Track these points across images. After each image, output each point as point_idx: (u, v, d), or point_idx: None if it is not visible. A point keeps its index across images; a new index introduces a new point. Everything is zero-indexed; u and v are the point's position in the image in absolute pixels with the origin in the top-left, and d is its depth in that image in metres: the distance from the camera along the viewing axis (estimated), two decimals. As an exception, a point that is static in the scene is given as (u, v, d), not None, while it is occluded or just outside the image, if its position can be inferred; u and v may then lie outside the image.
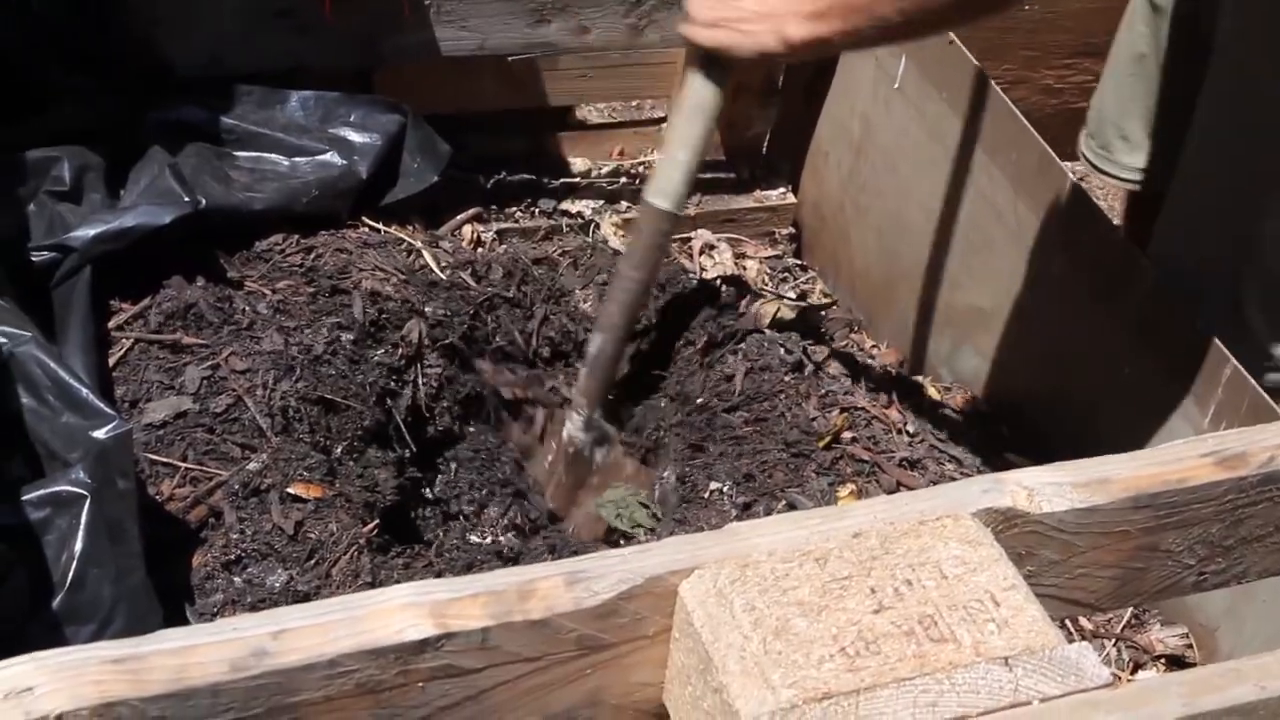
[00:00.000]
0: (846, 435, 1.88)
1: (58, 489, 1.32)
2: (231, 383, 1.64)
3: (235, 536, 1.48)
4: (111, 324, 1.71)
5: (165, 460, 1.56)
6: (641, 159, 2.59)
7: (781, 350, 2.01)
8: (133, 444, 1.44)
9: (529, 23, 2.22)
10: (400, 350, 1.83)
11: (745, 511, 1.77)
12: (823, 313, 2.35)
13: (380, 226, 2.03)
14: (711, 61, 1.77)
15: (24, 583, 1.27)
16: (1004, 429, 2.11)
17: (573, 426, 1.91)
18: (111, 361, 1.66)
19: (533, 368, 2.04)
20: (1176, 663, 1.80)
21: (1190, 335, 1.77)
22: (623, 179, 2.54)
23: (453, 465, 1.87)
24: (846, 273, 2.51)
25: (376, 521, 1.59)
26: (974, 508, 0.93)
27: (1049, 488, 0.96)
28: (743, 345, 2.01)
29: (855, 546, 0.89)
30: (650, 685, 0.90)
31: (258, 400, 1.62)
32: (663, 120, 2.65)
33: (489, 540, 1.74)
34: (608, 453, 1.95)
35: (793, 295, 2.50)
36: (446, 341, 1.90)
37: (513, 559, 1.70)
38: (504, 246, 2.23)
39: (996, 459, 1.98)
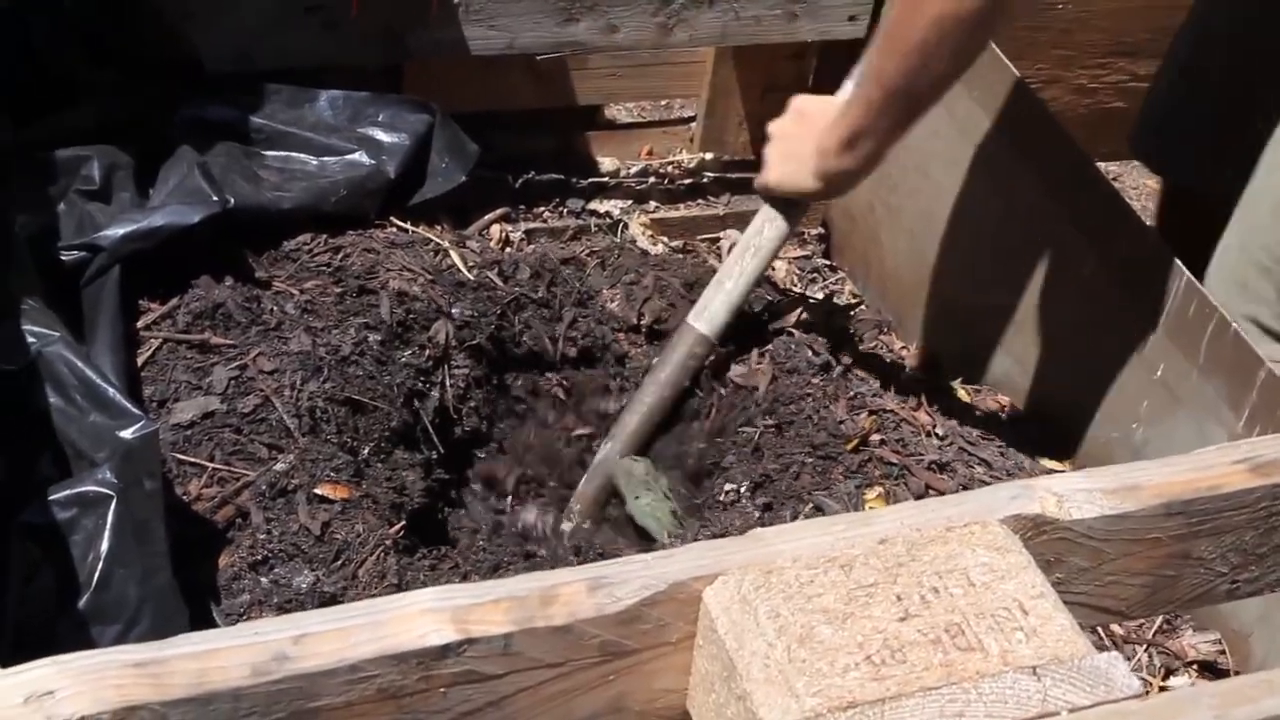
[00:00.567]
0: (875, 438, 1.86)
1: (84, 489, 1.32)
2: (259, 383, 1.64)
3: (262, 537, 1.48)
4: (140, 323, 1.72)
5: (192, 460, 1.56)
6: (670, 158, 2.58)
7: (809, 352, 1.99)
8: (159, 444, 1.44)
9: (558, 21, 2.21)
10: (428, 351, 1.83)
11: (767, 513, 1.76)
12: (851, 313, 2.34)
13: (408, 226, 2.03)
14: (775, 204, 1.90)
15: (50, 582, 1.27)
16: (1034, 432, 2.09)
17: (568, 525, 1.90)
18: (140, 361, 1.66)
19: (560, 370, 2.03)
20: (1209, 669, 1.78)
21: (1224, 337, 1.75)
22: (651, 179, 2.54)
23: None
24: (876, 273, 2.49)
25: (403, 523, 1.59)
26: (1002, 514, 0.92)
27: (1079, 494, 0.95)
28: (770, 346, 1.99)
29: (881, 553, 0.88)
30: (673, 692, 0.89)
31: (285, 400, 1.63)
32: (691, 119, 2.64)
33: (515, 542, 1.74)
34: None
35: (821, 296, 2.49)
36: (474, 342, 1.89)
37: (539, 561, 1.69)
38: (532, 246, 2.23)
39: (1027, 462, 1.96)
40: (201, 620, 1.40)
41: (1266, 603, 1.72)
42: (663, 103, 3.15)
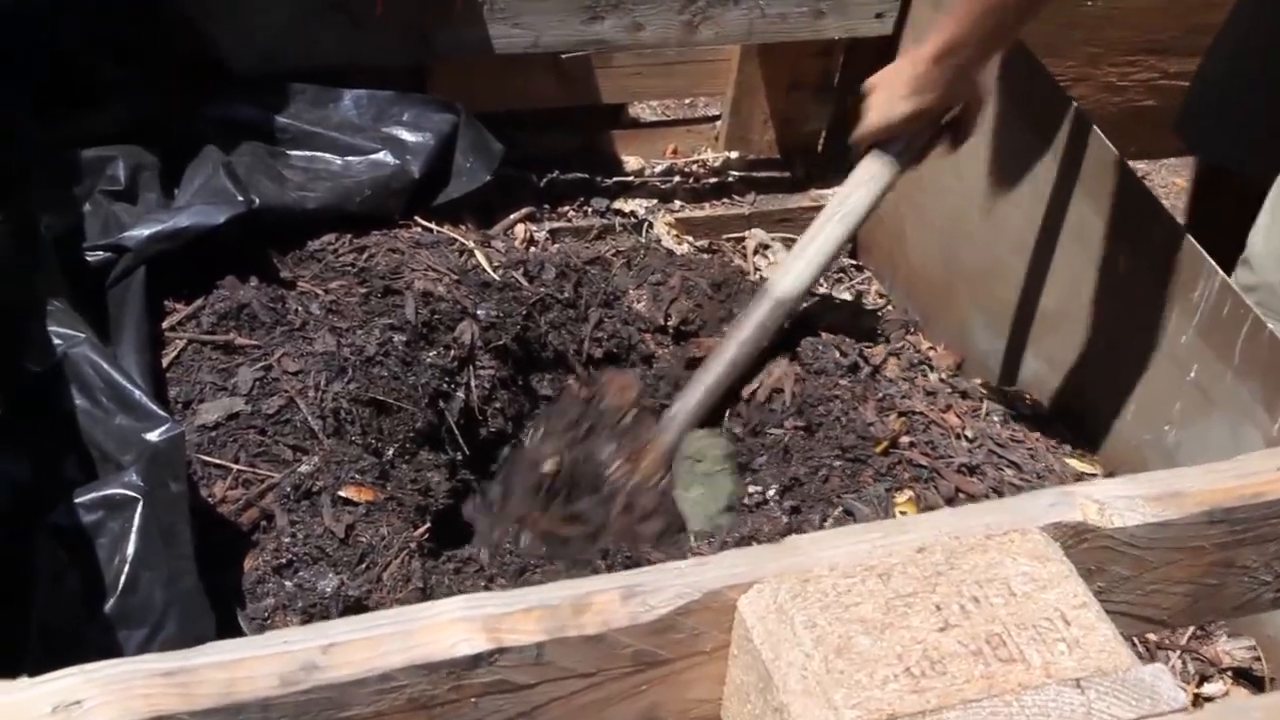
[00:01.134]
0: (904, 440, 1.85)
1: (110, 492, 1.31)
2: (284, 384, 1.63)
3: (287, 540, 1.47)
4: (165, 324, 1.71)
5: (217, 462, 1.55)
6: (695, 157, 2.57)
7: (837, 353, 1.97)
8: (185, 446, 1.44)
9: (582, 20, 2.20)
10: (453, 352, 1.82)
11: (795, 516, 1.74)
12: (878, 314, 2.32)
13: (433, 226, 2.02)
14: (869, 161, 1.89)
15: (76, 586, 1.26)
16: (1064, 434, 2.07)
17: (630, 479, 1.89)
18: (165, 362, 1.66)
19: (586, 371, 2.02)
20: (1244, 676, 1.76)
21: (1259, 338, 1.72)
22: (676, 178, 2.52)
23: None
24: (903, 273, 2.47)
25: (428, 525, 1.57)
26: (1042, 521, 0.90)
27: (1120, 501, 0.93)
28: (797, 348, 1.98)
29: (920, 561, 0.87)
30: (707, 702, 0.88)
31: (310, 402, 1.62)
32: (716, 118, 2.62)
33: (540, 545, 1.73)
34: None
35: (848, 296, 2.47)
36: (499, 343, 1.88)
37: (564, 565, 1.68)
38: (556, 246, 2.21)
39: (1057, 465, 1.94)
40: (227, 624, 1.39)
41: (1303, 608, 1.70)
42: (687, 101, 3.13)
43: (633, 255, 2.21)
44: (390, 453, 1.65)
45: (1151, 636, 1.75)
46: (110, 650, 1.23)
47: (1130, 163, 1.99)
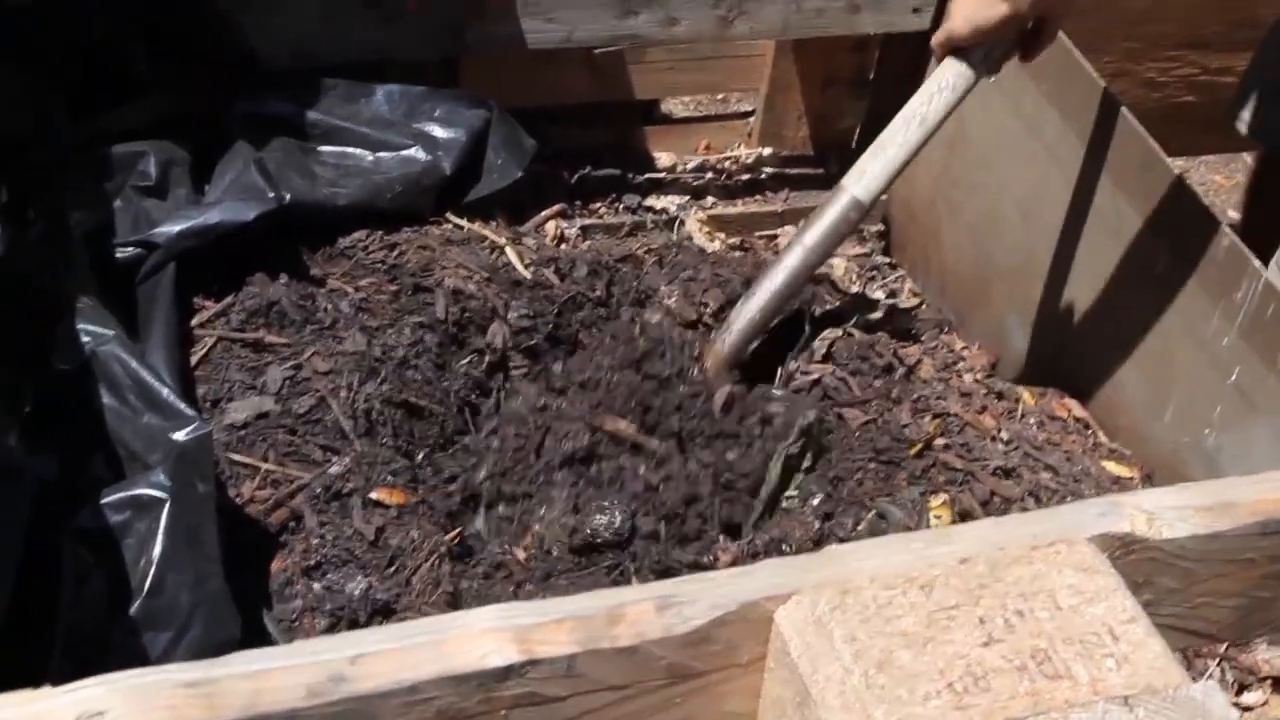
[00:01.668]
0: (939, 442, 1.82)
1: (137, 492, 1.30)
2: (314, 383, 1.62)
3: (316, 541, 1.46)
4: (194, 321, 1.70)
5: (246, 461, 1.54)
6: (728, 154, 2.54)
7: (871, 353, 1.95)
8: (213, 446, 1.43)
9: (616, 14, 2.18)
10: (486, 356, 1.80)
11: (827, 521, 1.72)
12: (913, 313, 2.29)
13: (463, 223, 2.01)
14: (951, 64, 1.80)
15: (102, 587, 1.25)
16: (1101, 437, 2.04)
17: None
18: (194, 360, 1.65)
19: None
20: (1285, 685, 1.73)
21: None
22: (708, 174, 2.50)
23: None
24: (937, 271, 2.44)
25: (459, 530, 1.56)
26: (1089, 532, 0.88)
27: (1170, 511, 0.90)
28: (831, 348, 1.95)
29: (963, 573, 0.84)
30: (743, 716, 0.86)
31: (341, 402, 1.60)
32: (750, 114, 2.60)
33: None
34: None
35: (881, 294, 2.44)
36: (531, 344, 1.86)
37: (592, 571, 1.66)
38: (588, 244, 2.20)
39: (1094, 469, 1.91)
40: (253, 625, 1.38)
41: (1347, 617, 1.67)
42: (720, 97, 3.11)
43: (664, 253, 2.19)
44: (421, 456, 1.63)
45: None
46: (135, 653, 1.22)
47: (1170, 160, 1.95)
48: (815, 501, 1.74)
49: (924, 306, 2.41)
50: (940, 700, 0.77)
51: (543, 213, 2.22)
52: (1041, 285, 2.19)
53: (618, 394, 1.79)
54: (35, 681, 0.75)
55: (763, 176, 2.53)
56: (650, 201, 2.42)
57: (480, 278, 1.88)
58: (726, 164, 2.52)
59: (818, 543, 1.68)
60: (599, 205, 2.36)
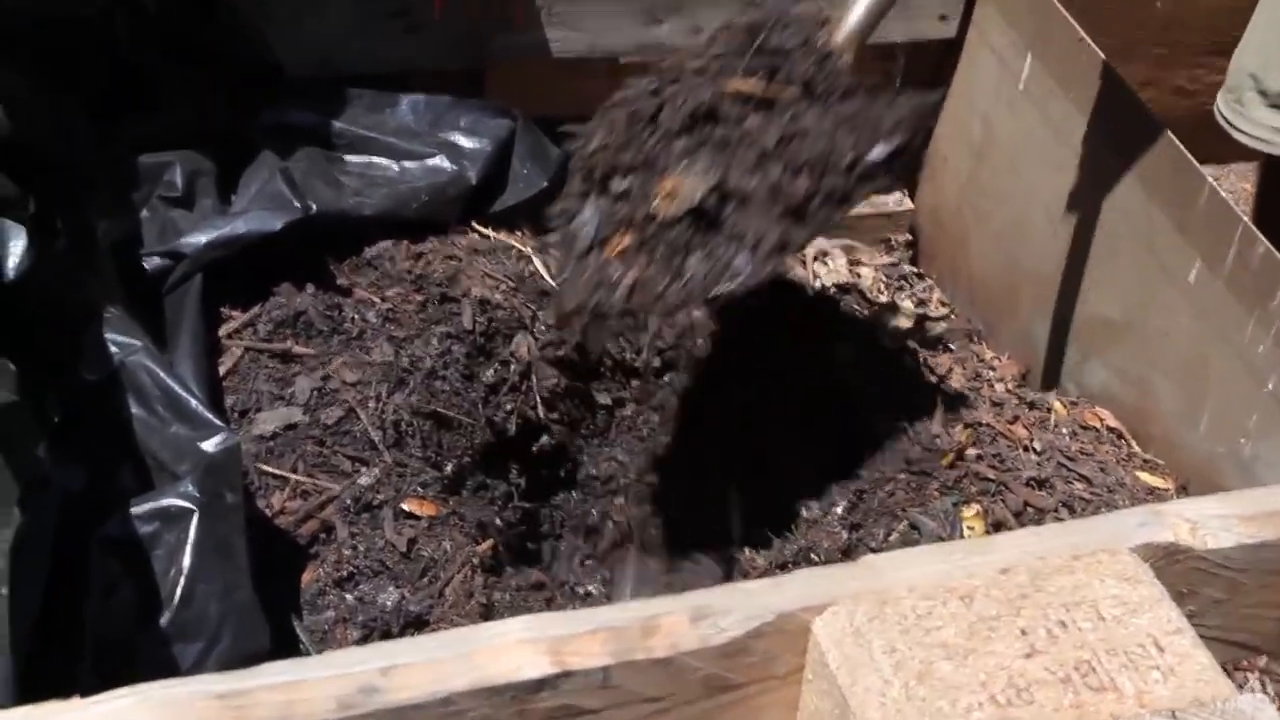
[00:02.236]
0: (970, 452, 1.80)
1: (166, 503, 1.30)
2: (343, 394, 1.61)
3: (347, 553, 1.45)
4: (221, 331, 1.70)
5: (275, 472, 1.53)
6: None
7: (901, 362, 1.93)
8: (241, 457, 1.42)
9: (641, 23, 2.17)
10: (513, 367, 1.79)
11: (856, 531, 1.70)
12: (942, 322, 2.27)
13: (489, 233, 2.00)
14: None
15: (131, 598, 1.25)
16: (1134, 447, 2.02)
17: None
18: (222, 370, 1.64)
19: (644, 379, 1.99)
20: (1325, 698, 1.70)
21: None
22: (733, 184, 2.48)
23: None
24: (965, 280, 2.43)
25: (491, 541, 1.55)
26: (1131, 542, 0.86)
27: (1214, 521, 0.88)
28: (860, 358, 1.94)
29: (1003, 583, 0.83)
30: (780, 728, 0.85)
31: (370, 413, 1.59)
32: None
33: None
34: None
35: (910, 304, 2.42)
36: (559, 354, 1.85)
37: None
38: (614, 253, 2.18)
39: (1128, 478, 1.89)
40: (284, 636, 1.37)
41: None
42: (744, 106, 3.09)
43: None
44: (450, 467, 1.62)
45: (1227, 656, 1.70)
46: (165, 664, 1.22)
47: (1200, 167, 1.93)
48: (839, 510, 1.72)
49: (953, 316, 2.39)
50: (983, 712, 0.76)
51: (569, 222, 2.21)
52: (1071, 294, 2.17)
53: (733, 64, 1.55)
54: (64, 693, 0.74)
55: (788, 186, 2.51)
56: (675, 211, 2.40)
57: (507, 287, 1.87)
58: (752, 173, 2.50)
59: (846, 553, 1.67)
60: (625, 215, 2.35)
